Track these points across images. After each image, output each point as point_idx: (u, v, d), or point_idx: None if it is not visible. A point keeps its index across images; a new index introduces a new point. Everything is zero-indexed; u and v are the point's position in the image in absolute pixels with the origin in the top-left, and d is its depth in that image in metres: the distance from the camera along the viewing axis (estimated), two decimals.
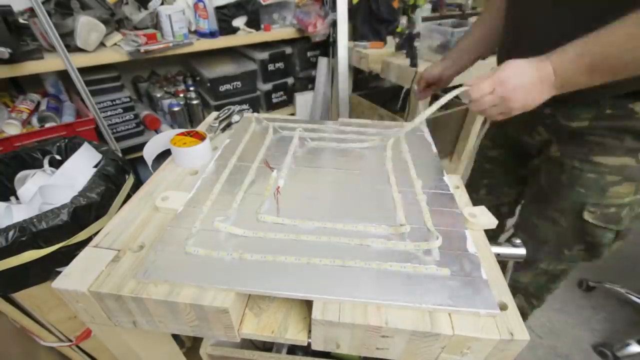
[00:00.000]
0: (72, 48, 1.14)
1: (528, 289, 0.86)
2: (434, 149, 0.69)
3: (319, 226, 0.48)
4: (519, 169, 0.84)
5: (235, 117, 0.82)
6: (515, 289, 0.86)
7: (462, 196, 0.60)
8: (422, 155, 0.66)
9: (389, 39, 1.63)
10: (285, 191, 0.54)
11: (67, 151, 0.94)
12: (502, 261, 0.51)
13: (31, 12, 1.10)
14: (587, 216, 0.65)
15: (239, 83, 1.58)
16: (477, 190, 0.96)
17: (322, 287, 0.40)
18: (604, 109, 0.58)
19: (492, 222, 0.52)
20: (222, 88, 1.55)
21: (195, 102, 1.57)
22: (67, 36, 1.12)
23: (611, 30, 0.46)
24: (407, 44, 1.33)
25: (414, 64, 1.29)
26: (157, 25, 1.36)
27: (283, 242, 0.45)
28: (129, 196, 0.85)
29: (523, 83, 0.50)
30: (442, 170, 0.62)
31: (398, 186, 0.57)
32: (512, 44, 0.66)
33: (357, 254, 0.44)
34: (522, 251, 0.54)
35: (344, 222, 0.49)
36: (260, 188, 0.56)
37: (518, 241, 0.54)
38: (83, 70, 1.18)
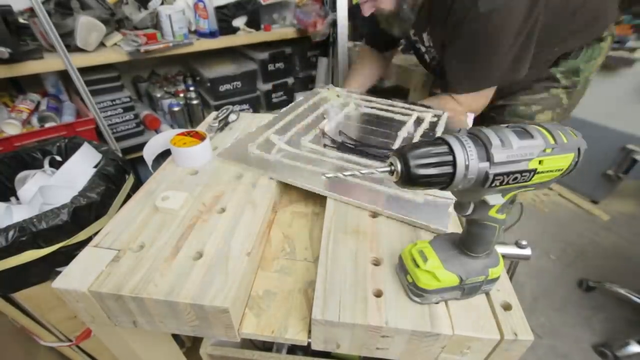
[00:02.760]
0: (72, 48, 1.14)
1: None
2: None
3: (341, 156, 0.64)
4: None
5: (232, 117, 0.82)
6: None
7: None
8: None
9: None
10: (329, 133, 0.72)
11: (67, 151, 0.94)
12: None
13: (31, 12, 1.10)
14: None
15: (239, 83, 1.58)
16: None
17: (333, 189, 0.55)
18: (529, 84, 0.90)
19: None
20: (222, 88, 1.55)
21: (195, 102, 1.57)
22: (67, 36, 1.12)
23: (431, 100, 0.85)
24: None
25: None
26: (157, 25, 1.36)
27: (311, 159, 0.62)
28: (129, 196, 0.85)
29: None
30: None
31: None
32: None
33: (368, 178, 0.58)
34: (527, 252, 0.54)
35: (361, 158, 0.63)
36: (312, 128, 0.74)
37: (524, 242, 0.55)
38: (83, 70, 1.18)
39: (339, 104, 0.88)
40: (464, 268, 0.38)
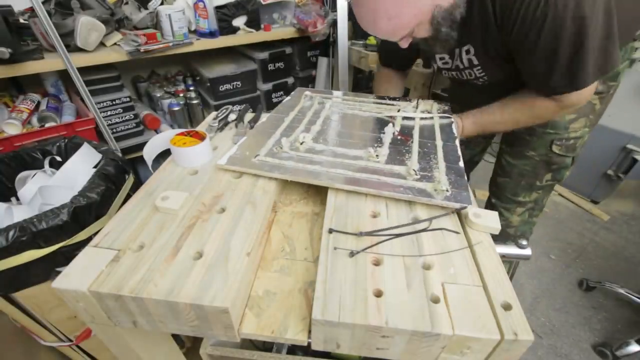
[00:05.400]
0: (72, 48, 1.15)
1: (517, 231, 1.04)
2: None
3: (338, 152, 0.66)
4: None
5: (232, 116, 0.82)
6: (506, 236, 1.05)
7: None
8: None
9: None
10: (320, 134, 0.74)
11: (67, 151, 0.94)
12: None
13: (31, 12, 1.10)
14: (555, 148, 0.87)
15: (239, 83, 1.58)
16: None
17: (338, 181, 0.57)
18: None
19: (495, 227, 0.52)
20: (222, 88, 1.55)
21: (195, 101, 1.57)
22: (67, 36, 1.12)
23: (503, 113, 0.78)
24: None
25: (428, 65, 1.27)
26: (157, 25, 1.36)
27: (307, 159, 0.64)
28: (129, 196, 0.86)
29: None
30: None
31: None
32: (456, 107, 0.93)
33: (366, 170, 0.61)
34: (527, 252, 0.54)
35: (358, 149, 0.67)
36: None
37: (524, 242, 0.55)
38: (83, 70, 1.18)
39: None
40: None
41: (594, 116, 0.86)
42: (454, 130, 0.75)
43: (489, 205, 1.07)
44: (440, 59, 0.85)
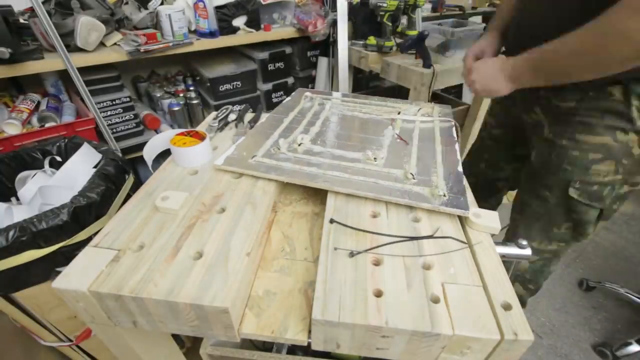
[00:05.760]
0: (72, 48, 1.14)
1: (525, 275, 0.91)
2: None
3: (336, 155, 0.66)
4: (516, 148, 0.92)
5: (232, 116, 0.82)
6: (513, 277, 0.91)
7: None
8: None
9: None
10: (319, 135, 0.74)
11: (67, 151, 0.94)
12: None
13: (31, 12, 1.10)
14: (572, 193, 0.71)
15: (239, 83, 1.58)
16: (477, 163, 1.05)
17: (335, 184, 0.57)
18: (587, 92, 0.65)
19: (495, 227, 0.52)
20: (222, 88, 1.55)
21: (195, 101, 1.57)
22: (67, 36, 1.12)
23: (566, 38, 0.55)
24: (418, 45, 1.30)
25: (428, 65, 1.25)
26: (157, 25, 1.36)
27: (304, 161, 0.64)
28: (129, 196, 0.85)
29: (486, 72, 0.70)
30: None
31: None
32: (517, 36, 0.76)
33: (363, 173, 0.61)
34: (527, 252, 0.54)
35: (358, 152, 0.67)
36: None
37: (524, 242, 0.54)
38: (83, 70, 1.18)
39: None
40: None
41: (630, 162, 0.65)
42: (454, 134, 0.75)
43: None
44: None
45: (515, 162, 0.97)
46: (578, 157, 0.68)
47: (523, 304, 1.02)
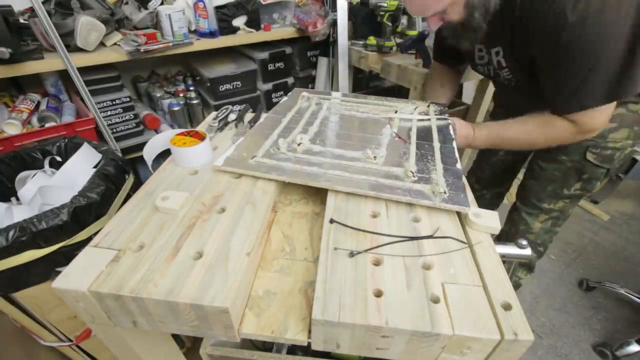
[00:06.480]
0: (72, 48, 1.14)
1: (537, 237, 1.01)
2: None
3: (336, 154, 0.66)
4: None
5: (232, 116, 0.82)
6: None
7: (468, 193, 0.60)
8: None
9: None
10: (318, 135, 0.74)
11: (67, 151, 0.94)
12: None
13: (31, 12, 1.10)
14: (589, 156, 0.81)
15: (239, 83, 1.58)
16: (496, 152, 1.11)
17: (337, 183, 0.57)
18: None
19: (495, 227, 0.52)
20: (222, 88, 1.55)
21: (195, 101, 1.57)
22: (67, 36, 1.12)
23: (518, 122, 0.76)
24: (418, 45, 1.30)
25: (428, 65, 1.26)
26: (157, 25, 1.36)
27: (304, 160, 0.64)
28: (129, 196, 0.85)
29: (460, 133, 0.79)
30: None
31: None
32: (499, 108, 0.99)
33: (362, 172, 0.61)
34: (527, 252, 0.54)
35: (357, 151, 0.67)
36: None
37: (524, 242, 0.54)
38: (83, 70, 1.18)
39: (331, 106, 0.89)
40: None
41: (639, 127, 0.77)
42: (451, 132, 0.75)
43: (514, 209, 1.03)
44: (479, 51, 0.82)
45: None
46: None
47: (531, 268, 1.14)
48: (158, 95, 1.58)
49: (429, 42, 1.34)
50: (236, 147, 0.67)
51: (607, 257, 1.64)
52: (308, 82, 1.85)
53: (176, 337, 0.73)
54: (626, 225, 1.82)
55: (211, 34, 1.39)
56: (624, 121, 0.76)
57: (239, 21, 1.46)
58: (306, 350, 0.73)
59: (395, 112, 0.83)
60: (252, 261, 0.46)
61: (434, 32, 0.92)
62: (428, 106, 0.87)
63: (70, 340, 0.86)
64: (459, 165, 0.62)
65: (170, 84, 1.67)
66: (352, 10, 1.58)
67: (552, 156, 0.87)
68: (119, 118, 1.37)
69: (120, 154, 1.01)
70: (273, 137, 0.71)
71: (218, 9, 1.38)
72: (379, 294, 0.41)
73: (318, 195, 0.64)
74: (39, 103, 1.27)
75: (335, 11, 1.55)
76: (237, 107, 0.86)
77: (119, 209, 0.65)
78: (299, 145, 0.67)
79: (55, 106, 1.27)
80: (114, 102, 1.33)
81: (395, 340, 0.39)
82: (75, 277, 0.41)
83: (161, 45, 1.25)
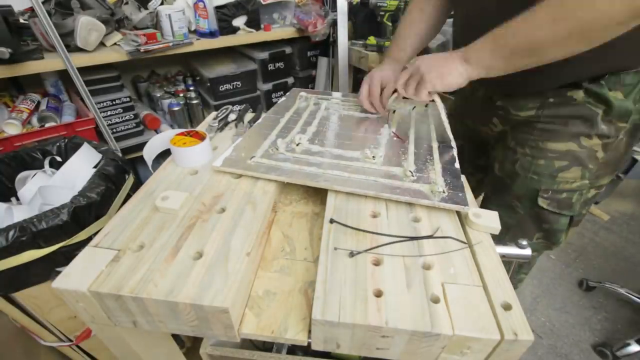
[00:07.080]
0: (72, 48, 1.15)
1: None
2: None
3: (334, 154, 0.66)
4: (477, 159, 0.90)
5: (232, 116, 0.82)
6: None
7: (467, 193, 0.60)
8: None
9: None
10: (316, 135, 0.73)
11: (67, 151, 0.94)
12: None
13: (31, 12, 1.10)
14: (541, 202, 0.68)
15: (239, 83, 1.59)
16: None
17: (336, 183, 0.57)
18: (547, 99, 0.64)
19: (495, 227, 0.52)
20: (222, 88, 1.55)
21: (195, 101, 1.57)
22: (67, 36, 1.12)
23: (514, 21, 0.50)
24: None
25: None
26: (157, 25, 1.36)
27: (303, 161, 0.64)
28: (129, 196, 0.86)
29: (436, 58, 0.60)
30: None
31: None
32: (462, 41, 0.62)
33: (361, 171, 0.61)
34: (527, 252, 0.54)
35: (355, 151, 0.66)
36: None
37: (524, 242, 0.54)
38: (83, 70, 1.18)
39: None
40: None
41: (596, 166, 0.64)
42: (449, 132, 0.74)
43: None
44: None
45: (478, 174, 0.93)
46: (544, 166, 0.66)
47: None
48: (158, 95, 1.58)
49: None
50: (234, 147, 0.67)
51: (607, 257, 1.64)
52: (308, 82, 1.85)
53: (176, 337, 0.73)
54: (626, 225, 1.82)
55: (211, 34, 1.39)
56: (575, 159, 0.64)
57: (239, 21, 1.46)
58: (306, 350, 0.73)
59: (394, 111, 0.83)
60: (252, 261, 0.46)
61: None
62: (427, 106, 0.87)
63: (70, 340, 0.86)
64: (457, 165, 0.62)
65: (170, 84, 1.67)
66: (352, 10, 1.58)
67: (503, 201, 0.74)
68: (119, 118, 1.37)
69: (120, 154, 1.01)
70: (271, 138, 0.71)
71: (218, 9, 1.38)
72: (379, 294, 0.41)
73: (318, 195, 0.64)
74: (39, 103, 1.27)
75: (335, 11, 1.55)
76: (237, 107, 0.86)
77: (119, 209, 0.65)
78: (297, 145, 0.67)
79: (55, 106, 1.27)
80: (114, 102, 1.33)
81: (395, 340, 0.39)
82: (75, 277, 0.41)
83: (161, 45, 1.25)
